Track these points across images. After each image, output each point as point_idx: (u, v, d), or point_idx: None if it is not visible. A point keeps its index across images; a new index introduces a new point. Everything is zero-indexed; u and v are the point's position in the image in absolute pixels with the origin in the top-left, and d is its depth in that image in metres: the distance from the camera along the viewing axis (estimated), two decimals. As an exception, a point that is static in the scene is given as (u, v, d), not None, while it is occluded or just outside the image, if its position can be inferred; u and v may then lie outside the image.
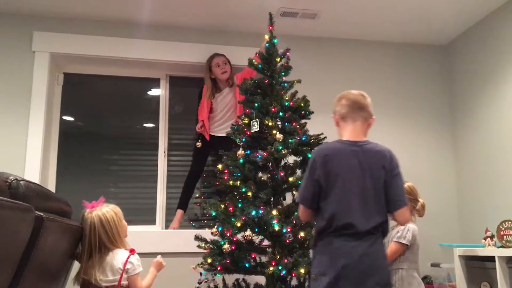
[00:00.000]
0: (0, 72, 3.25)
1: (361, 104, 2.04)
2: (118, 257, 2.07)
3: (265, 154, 2.54)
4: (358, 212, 1.84)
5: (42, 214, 1.49)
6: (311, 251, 1.98)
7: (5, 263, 1.29)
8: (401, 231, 2.62)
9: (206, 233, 2.62)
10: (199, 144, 3.38)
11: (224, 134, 3.27)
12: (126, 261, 2.05)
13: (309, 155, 2.59)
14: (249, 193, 2.49)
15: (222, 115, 3.48)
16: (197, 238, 2.60)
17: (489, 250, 2.82)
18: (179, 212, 3.35)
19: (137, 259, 2.11)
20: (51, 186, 3.34)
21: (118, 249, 2.09)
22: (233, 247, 2.42)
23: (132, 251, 2.11)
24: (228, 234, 2.43)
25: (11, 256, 1.32)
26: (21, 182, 1.45)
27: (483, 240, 2.91)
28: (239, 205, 2.48)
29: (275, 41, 2.82)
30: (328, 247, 1.84)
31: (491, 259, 2.74)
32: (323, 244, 1.87)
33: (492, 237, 2.88)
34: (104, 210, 2.11)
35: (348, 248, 1.80)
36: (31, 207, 1.38)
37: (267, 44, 2.81)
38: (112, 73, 3.64)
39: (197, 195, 3.57)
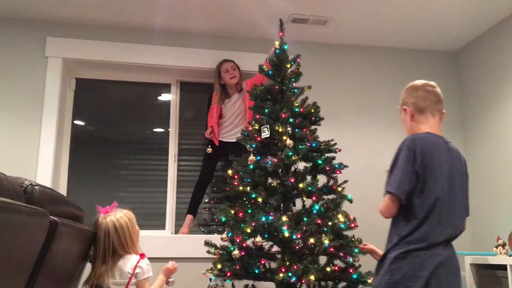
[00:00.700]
0: (13, 77, 3.29)
1: (439, 97, 1.91)
2: (128, 262, 2.07)
3: (275, 160, 2.54)
4: (452, 212, 1.76)
5: (56, 218, 1.51)
6: (388, 259, 1.79)
7: (21, 268, 1.30)
8: None
9: (216, 239, 2.63)
10: (209, 150, 3.40)
11: (233, 140, 3.29)
12: (136, 265, 2.06)
13: (320, 161, 2.60)
14: (259, 199, 2.49)
15: (231, 121, 3.49)
16: (206, 243, 2.60)
17: (500, 258, 2.79)
18: (189, 217, 3.36)
19: (146, 264, 2.11)
20: (62, 190, 3.37)
21: (130, 254, 2.10)
22: (242, 253, 2.42)
23: (142, 256, 2.12)
24: (238, 240, 2.43)
25: (26, 261, 1.33)
26: (36, 187, 1.46)
27: (495, 248, 2.89)
28: (249, 211, 2.48)
29: (286, 47, 2.82)
30: (416, 252, 1.71)
31: (503, 267, 2.72)
32: (410, 248, 1.72)
33: (503, 245, 2.85)
34: (118, 216, 2.11)
35: (438, 249, 1.72)
36: (46, 212, 1.39)
37: (277, 50, 2.82)
38: (124, 78, 3.68)
39: (206, 200, 3.57)
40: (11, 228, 1.14)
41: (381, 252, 2.50)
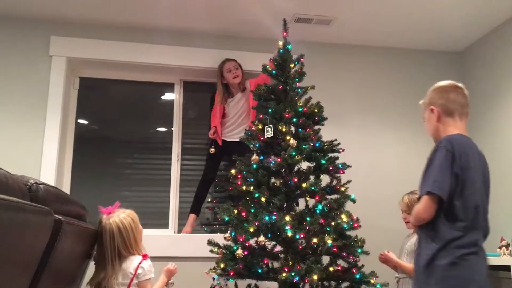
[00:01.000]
0: (17, 76, 3.30)
1: (467, 100, 1.89)
2: (131, 263, 2.07)
3: (279, 159, 2.54)
4: (485, 216, 1.77)
5: (61, 217, 1.51)
6: (436, 270, 1.71)
7: (25, 267, 1.30)
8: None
9: (219, 238, 2.63)
10: (212, 150, 3.39)
11: (236, 139, 3.29)
12: (138, 266, 2.06)
13: (323, 161, 2.59)
14: (262, 199, 2.49)
15: (234, 120, 3.49)
16: (210, 243, 2.60)
17: (504, 259, 2.78)
18: (192, 216, 3.37)
19: (149, 265, 2.10)
20: (66, 189, 3.38)
21: (133, 255, 2.10)
22: (245, 253, 2.42)
23: (144, 256, 2.11)
24: (241, 239, 2.43)
25: (30, 259, 1.33)
26: (40, 185, 1.47)
27: (498, 249, 2.88)
28: (252, 211, 2.48)
29: (289, 47, 2.82)
30: (468, 256, 1.67)
31: (506, 268, 2.71)
32: (462, 252, 1.67)
33: (507, 246, 2.85)
34: (121, 217, 2.11)
35: (482, 253, 1.72)
36: (51, 211, 1.39)
37: (281, 50, 2.82)
38: (127, 77, 3.68)
39: (209, 200, 3.58)
40: (16, 226, 1.15)
41: (402, 262, 2.48)
